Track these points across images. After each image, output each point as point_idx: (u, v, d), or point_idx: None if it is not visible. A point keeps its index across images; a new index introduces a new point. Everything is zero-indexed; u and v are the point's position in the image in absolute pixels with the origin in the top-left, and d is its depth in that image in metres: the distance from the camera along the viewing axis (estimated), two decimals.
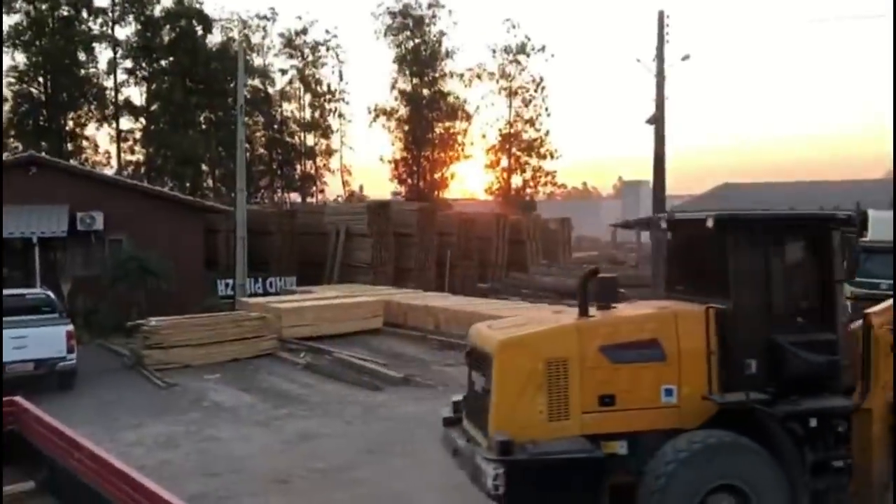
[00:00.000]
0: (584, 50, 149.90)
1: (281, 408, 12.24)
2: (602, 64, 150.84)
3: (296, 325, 17.93)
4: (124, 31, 39.10)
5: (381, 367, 14.69)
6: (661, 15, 19.26)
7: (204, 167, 40.96)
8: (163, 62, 39.67)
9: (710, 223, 6.87)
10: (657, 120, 19.09)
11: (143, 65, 39.55)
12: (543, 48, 49.03)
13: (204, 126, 40.90)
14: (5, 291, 13.38)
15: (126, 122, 40.38)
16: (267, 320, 16.88)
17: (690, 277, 7.86)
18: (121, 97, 39.79)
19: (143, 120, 40.34)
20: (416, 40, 48.16)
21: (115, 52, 38.68)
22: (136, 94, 40.99)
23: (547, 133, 50.10)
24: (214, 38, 42.17)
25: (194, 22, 39.43)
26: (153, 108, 39.86)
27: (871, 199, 30.63)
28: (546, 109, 49.83)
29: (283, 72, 47.45)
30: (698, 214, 7.47)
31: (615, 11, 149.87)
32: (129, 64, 39.37)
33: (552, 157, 50.30)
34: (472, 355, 7.38)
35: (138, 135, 40.41)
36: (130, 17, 38.76)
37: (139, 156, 40.86)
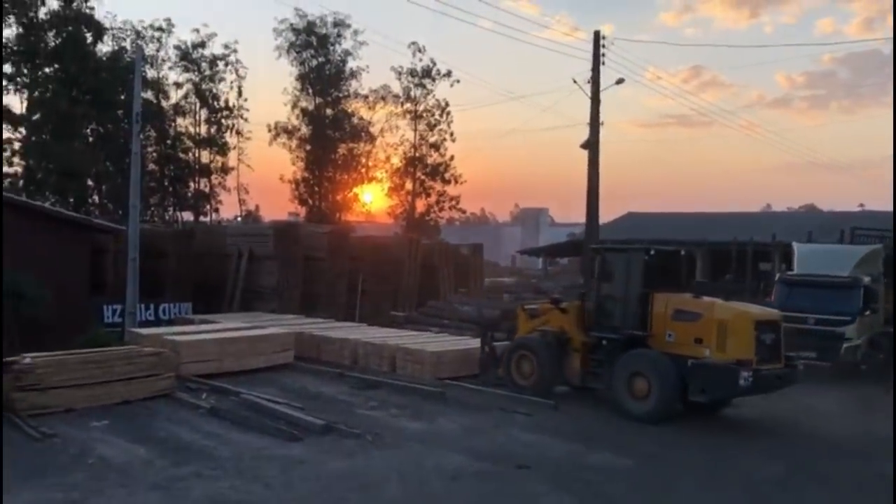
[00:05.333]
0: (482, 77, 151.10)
1: (184, 465, 10.29)
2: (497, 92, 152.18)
3: (196, 360, 15.90)
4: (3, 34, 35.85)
5: (299, 412, 12.93)
6: (596, 36, 18.33)
7: (90, 182, 38.13)
8: (47, 69, 36.80)
9: None
10: (591, 144, 18.07)
11: (25, 71, 36.51)
12: (449, 73, 49.13)
13: (91, 138, 38.15)
14: None
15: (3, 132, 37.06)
16: (163, 356, 14.77)
17: None
18: None
19: (22, 129, 37.15)
20: (320, 59, 46.86)
21: None
22: (15, 102, 37.74)
23: (451, 158, 49.88)
24: (105, 48, 39.56)
25: (83, 28, 36.78)
26: (35, 117, 36.79)
27: (768, 231, 30.89)
28: (451, 134, 49.71)
29: (179, 85, 44.94)
30: None
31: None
32: (8, 69, 36.17)
33: (456, 182, 50.13)
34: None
35: (17, 146, 37.19)
36: (11, 19, 35.59)
37: (17, 168, 37.53)
